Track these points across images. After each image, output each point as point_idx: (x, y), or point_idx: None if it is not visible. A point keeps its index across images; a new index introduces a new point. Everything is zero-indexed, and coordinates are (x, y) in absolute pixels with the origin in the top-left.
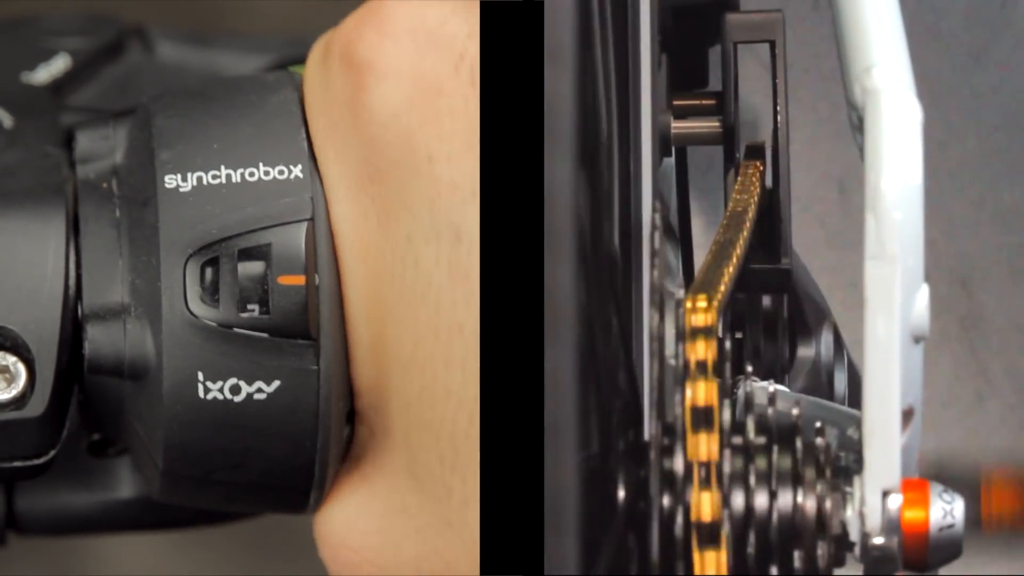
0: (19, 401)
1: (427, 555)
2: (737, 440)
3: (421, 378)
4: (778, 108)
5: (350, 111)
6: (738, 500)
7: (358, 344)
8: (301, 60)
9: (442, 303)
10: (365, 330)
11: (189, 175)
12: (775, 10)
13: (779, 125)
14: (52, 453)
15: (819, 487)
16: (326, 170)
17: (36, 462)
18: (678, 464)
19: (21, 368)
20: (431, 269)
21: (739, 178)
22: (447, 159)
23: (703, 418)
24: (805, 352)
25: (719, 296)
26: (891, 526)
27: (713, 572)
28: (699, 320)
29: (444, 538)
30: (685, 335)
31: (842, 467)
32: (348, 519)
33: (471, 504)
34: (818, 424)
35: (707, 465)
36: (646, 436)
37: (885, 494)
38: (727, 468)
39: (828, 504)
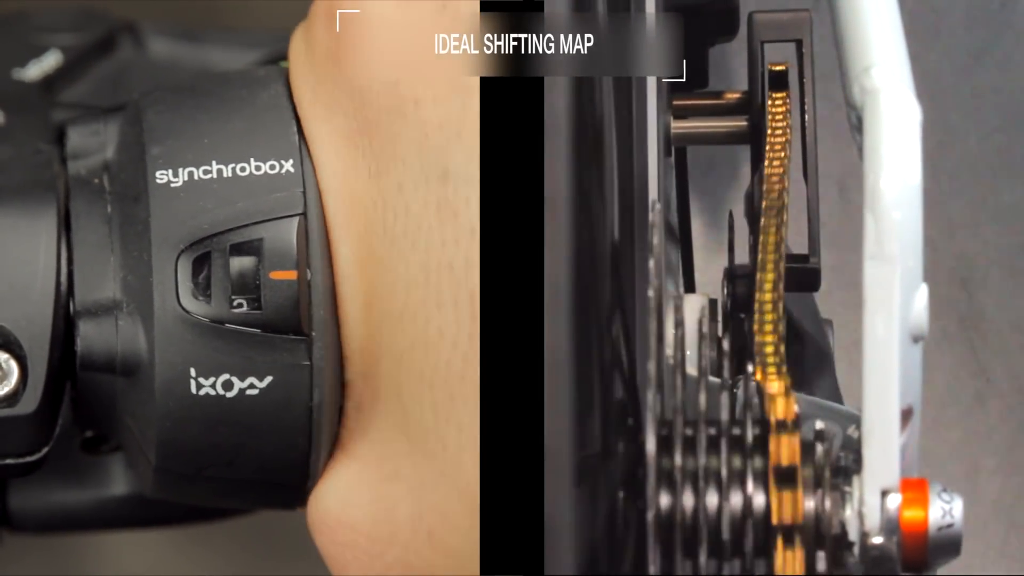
0: (11, 398)
1: (422, 512)
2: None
3: (414, 325)
4: (805, 107)
5: (337, 64)
6: (736, 499)
7: (350, 302)
8: None
9: (432, 244)
10: (357, 286)
11: (180, 170)
12: (803, 9)
13: (807, 124)
14: (45, 450)
15: (818, 487)
16: (316, 128)
17: (29, 459)
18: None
19: (13, 365)
20: (420, 213)
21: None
22: (432, 101)
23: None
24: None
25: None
26: (890, 526)
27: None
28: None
29: (439, 491)
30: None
31: (841, 467)
32: (341, 497)
33: (467, 450)
34: (818, 424)
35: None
36: (645, 436)
37: (884, 494)
38: (724, 467)
39: (827, 504)
